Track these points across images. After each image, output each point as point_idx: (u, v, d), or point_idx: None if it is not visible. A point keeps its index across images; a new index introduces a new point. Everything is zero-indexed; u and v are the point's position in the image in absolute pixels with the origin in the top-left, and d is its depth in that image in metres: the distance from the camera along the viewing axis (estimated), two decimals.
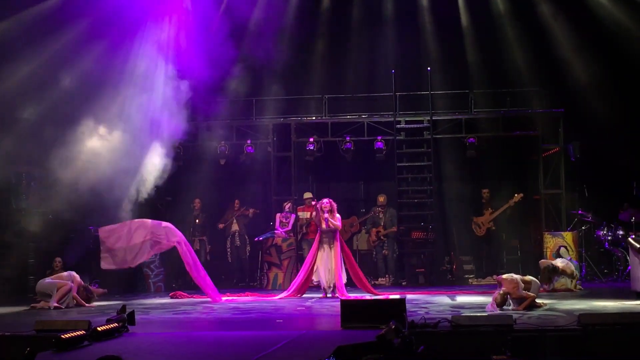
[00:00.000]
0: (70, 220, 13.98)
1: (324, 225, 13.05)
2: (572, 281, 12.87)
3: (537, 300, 10.48)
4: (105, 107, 14.06)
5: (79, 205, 13.49)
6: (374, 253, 15.98)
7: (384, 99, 16.43)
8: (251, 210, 16.34)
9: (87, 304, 12.11)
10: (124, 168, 14.03)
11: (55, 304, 11.67)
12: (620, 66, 15.43)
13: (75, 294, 12.04)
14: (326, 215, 13.06)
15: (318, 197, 14.61)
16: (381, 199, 16.03)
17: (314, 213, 13.52)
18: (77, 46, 13.82)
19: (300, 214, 15.78)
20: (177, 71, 14.94)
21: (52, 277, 12.19)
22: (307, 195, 15.96)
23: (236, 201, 16.43)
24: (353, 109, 16.81)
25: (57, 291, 11.83)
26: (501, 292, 10.28)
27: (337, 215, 13.18)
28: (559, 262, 12.89)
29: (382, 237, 15.78)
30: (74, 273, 12.26)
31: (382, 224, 15.83)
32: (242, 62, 16.08)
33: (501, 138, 16.15)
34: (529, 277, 10.62)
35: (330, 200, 13.29)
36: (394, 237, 15.84)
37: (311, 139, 16.15)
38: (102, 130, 14.00)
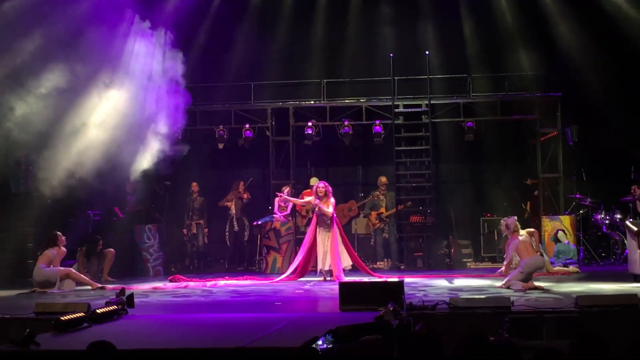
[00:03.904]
0: (69, 205, 13.99)
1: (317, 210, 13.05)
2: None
3: (535, 283, 10.55)
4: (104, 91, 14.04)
5: (78, 190, 13.48)
6: (373, 237, 15.96)
7: (383, 83, 16.38)
8: (246, 195, 16.29)
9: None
10: (122, 153, 14.01)
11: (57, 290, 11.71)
12: (618, 49, 15.39)
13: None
14: (317, 200, 13.04)
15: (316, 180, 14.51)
16: (383, 179, 15.92)
17: (311, 197, 13.46)
18: (77, 28, 13.65)
19: (308, 198, 15.69)
20: (175, 55, 14.91)
21: (43, 262, 12.04)
22: (315, 180, 15.73)
23: (241, 182, 16.24)
24: (351, 93, 16.78)
25: (59, 280, 11.86)
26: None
27: (332, 200, 13.12)
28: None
29: (384, 219, 15.74)
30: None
31: (383, 206, 15.81)
32: (240, 46, 16.06)
33: (499, 122, 16.14)
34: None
35: (326, 183, 13.28)
36: (394, 220, 15.85)
37: (309, 123, 16.10)
38: (99, 115, 13.98)
